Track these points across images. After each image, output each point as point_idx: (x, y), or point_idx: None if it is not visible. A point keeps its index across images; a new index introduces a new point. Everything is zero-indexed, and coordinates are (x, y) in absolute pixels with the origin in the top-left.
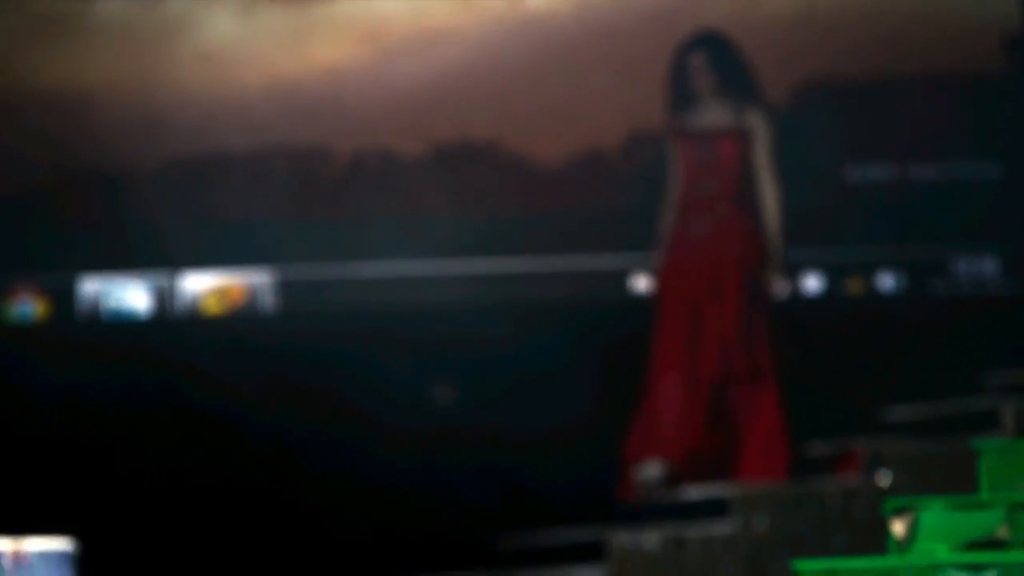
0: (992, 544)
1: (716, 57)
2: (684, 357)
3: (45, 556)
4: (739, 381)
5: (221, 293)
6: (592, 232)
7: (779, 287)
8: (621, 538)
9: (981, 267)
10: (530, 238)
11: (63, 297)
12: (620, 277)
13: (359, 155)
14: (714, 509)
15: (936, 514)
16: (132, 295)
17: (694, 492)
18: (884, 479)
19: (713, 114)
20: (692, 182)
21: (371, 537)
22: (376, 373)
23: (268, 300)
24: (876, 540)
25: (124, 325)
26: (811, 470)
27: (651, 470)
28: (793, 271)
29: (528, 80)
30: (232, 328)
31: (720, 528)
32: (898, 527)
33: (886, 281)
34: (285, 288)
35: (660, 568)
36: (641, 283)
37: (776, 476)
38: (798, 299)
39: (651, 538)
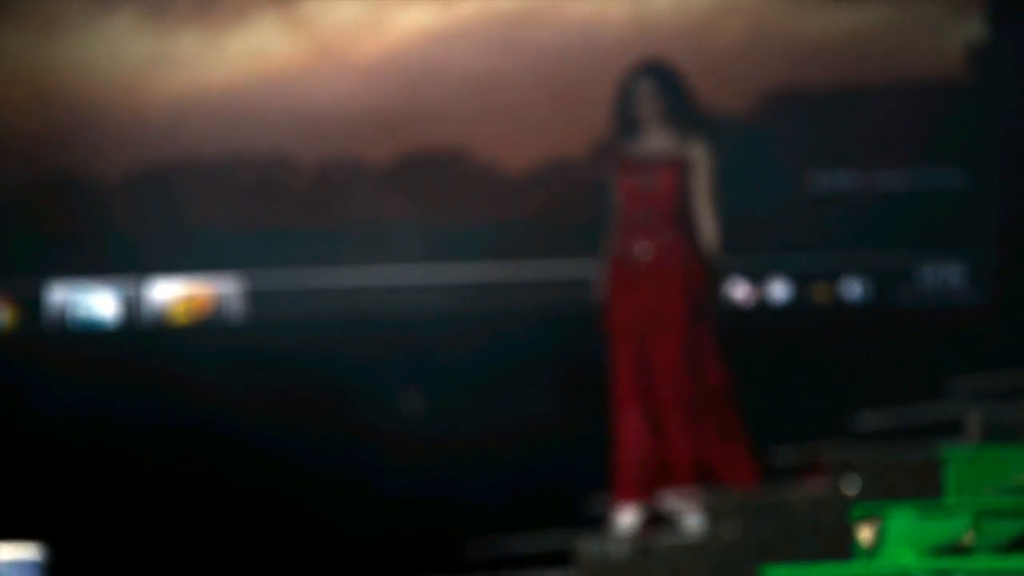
0: (958, 550)
1: (662, 85)
2: (638, 387)
3: (14, 564)
4: (695, 406)
5: (189, 301)
6: (559, 239)
7: (719, 310)
8: (589, 545)
9: (946, 274)
10: (498, 245)
11: (31, 305)
12: (587, 284)
13: (325, 163)
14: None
15: (903, 521)
16: (100, 303)
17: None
18: (852, 486)
19: (656, 142)
20: (632, 209)
21: (338, 541)
22: (344, 380)
23: (236, 308)
24: (844, 547)
25: (92, 334)
26: (779, 478)
27: (627, 519)
28: (759, 278)
29: (495, 87)
30: (200, 336)
31: (688, 535)
32: (864, 533)
33: (852, 288)
34: (252, 297)
35: (628, 575)
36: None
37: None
38: (764, 306)
39: (619, 545)
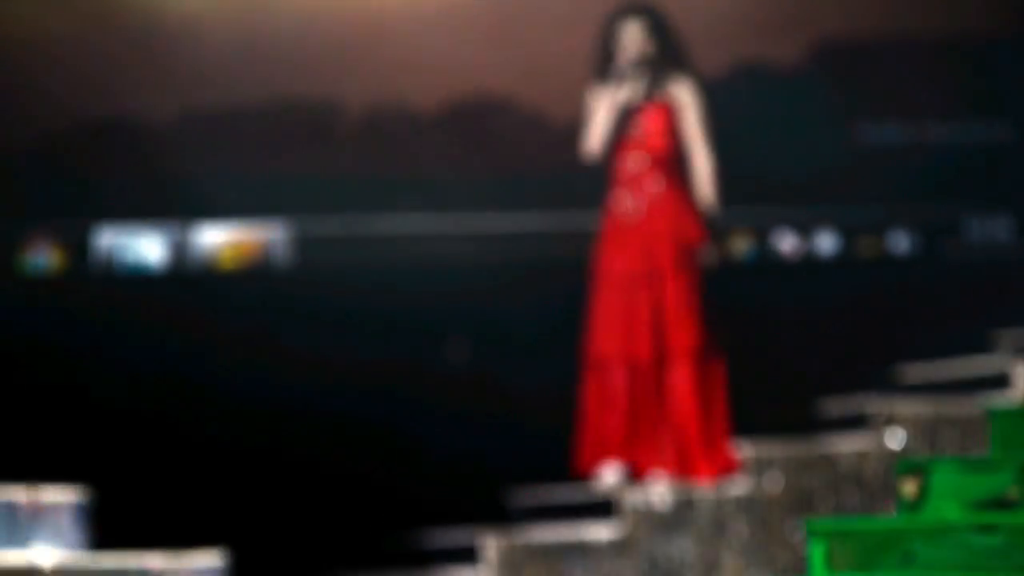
0: (1002, 504)
1: (653, 25)
2: (622, 340)
3: (61, 506)
4: (679, 362)
5: (236, 247)
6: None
7: (712, 261)
8: (633, 496)
9: (993, 228)
10: (548, 194)
11: (79, 248)
12: None
13: (374, 108)
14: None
15: (947, 475)
16: (147, 247)
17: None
18: (897, 440)
19: (640, 85)
20: (622, 156)
21: (380, 489)
22: (391, 328)
23: (283, 255)
24: (888, 500)
25: (138, 278)
26: (824, 429)
27: (609, 477)
28: (806, 231)
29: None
30: (246, 282)
31: (732, 488)
32: (908, 487)
33: (899, 241)
34: (299, 243)
35: (672, 527)
36: None
37: (723, 453)
38: (810, 259)
39: (663, 496)
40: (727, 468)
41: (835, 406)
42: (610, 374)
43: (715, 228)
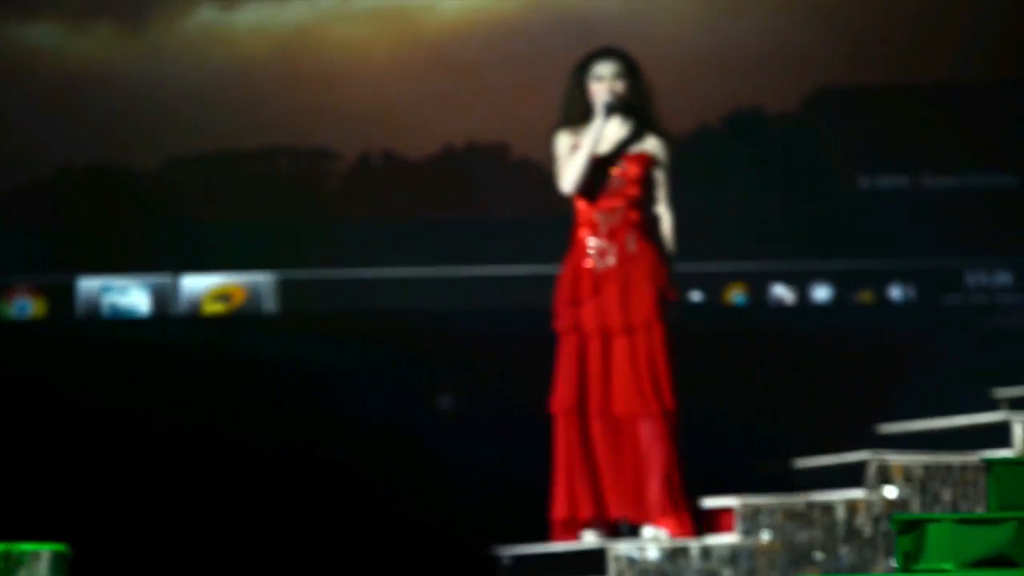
0: (1001, 562)
1: (627, 68)
2: (596, 394)
3: (39, 558)
4: (648, 417)
5: (221, 294)
6: None
7: (677, 320)
8: (620, 549)
9: (994, 280)
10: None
11: (61, 296)
12: None
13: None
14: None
15: (944, 530)
16: (131, 295)
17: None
18: (892, 493)
19: (620, 133)
20: (602, 208)
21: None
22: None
23: (268, 302)
24: (882, 554)
25: (121, 324)
26: (816, 483)
27: (589, 539)
28: (803, 281)
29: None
30: (231, 328)
31: (724, 540)
32: (905, 543)
33: (898, 293)
34: (285, 290)
35: None
36: None
37: (680, 510)
38: (805, 308)
39: (651, 548)
40: (689, 526)
41: (830, 459)
42: (579, 427)
43: (678, 285)
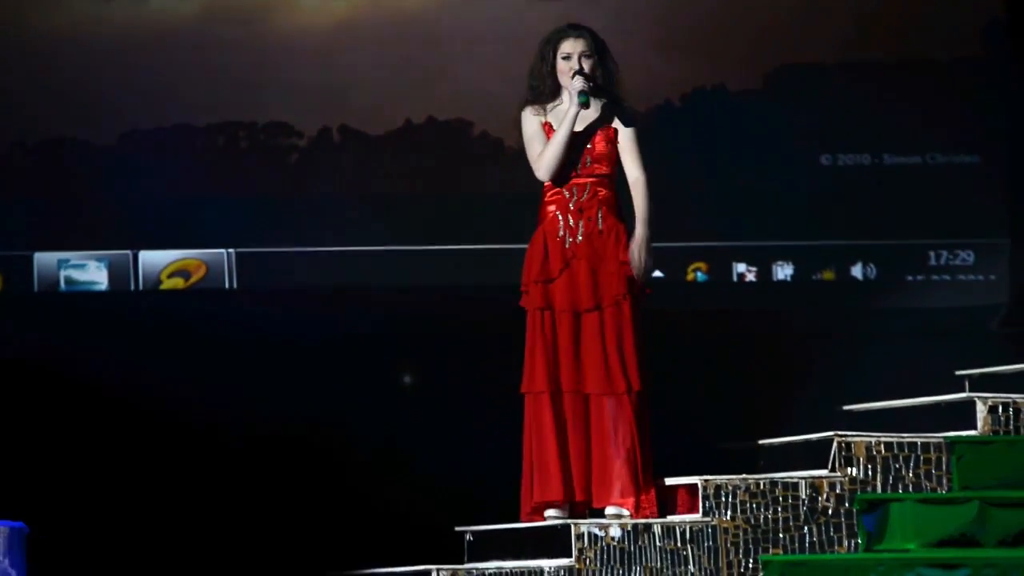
0: (964, 542)
1: (595, 44)
2: (566, 373)
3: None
4: (614, 395)
5: (180, 268)
6: None
7: (643, 299)
8: (582, 527)
9: (955, 258)
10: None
11: (18, 270)
12: None
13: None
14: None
15: (907, 509)
16: (88, 269)
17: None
18: (853, 472)
19: (586, 114)
20: (571, 186)
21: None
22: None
23: (227, 276)
24: (846, 533)
25: (82, 297)
26: (779, 462)
27: (553, 518)
28: (765, 259)
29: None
30: (190, 303)
31: (687, 519)
32: (869, 522)
33: (858, 271)
34: (243, 264)
35: (623, 557)
36: None
37: (644, 489)
38: (769, 288)
39: (614, 526)
40: (653, 506)
41: (793, 438)
42: (551, 408)
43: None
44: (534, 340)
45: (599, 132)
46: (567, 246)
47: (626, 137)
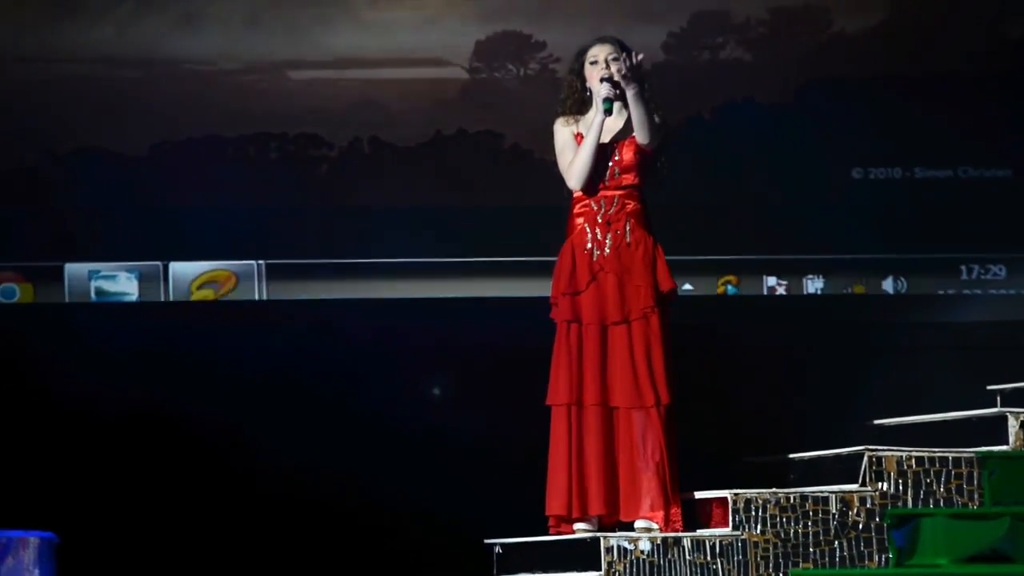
0: (995, 557)
1: (620, 50)
2: (592, 387)
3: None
4: (642, 408)
5: (210, 279)
6: None
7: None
8: (611, 540)
9: (987, 273)
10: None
11: (49, 281)
12: None
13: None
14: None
15: (938, 524)
16: (119, 280)
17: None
18: (883, 486)
19: (614, 124)
20: (599, 198)
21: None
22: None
23: (257, 287)
24: (876, 548)
25: (111, 307)
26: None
27: (582, 532)
28: (797, 274)
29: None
30: (221, 314)
31: (718, 533)
32: (899, 537)
33: (890, 286)
34: (274, 275)
35: (653, 571)
36: None
37: (672, 503)
38: (800, 301)
39: (643, 540)
40: (680, 519)
41: (823, 453)
42: (569, 421)
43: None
44: (560, 352)
45: (625, 142)
46: (595, 259)
47: (653, 156)
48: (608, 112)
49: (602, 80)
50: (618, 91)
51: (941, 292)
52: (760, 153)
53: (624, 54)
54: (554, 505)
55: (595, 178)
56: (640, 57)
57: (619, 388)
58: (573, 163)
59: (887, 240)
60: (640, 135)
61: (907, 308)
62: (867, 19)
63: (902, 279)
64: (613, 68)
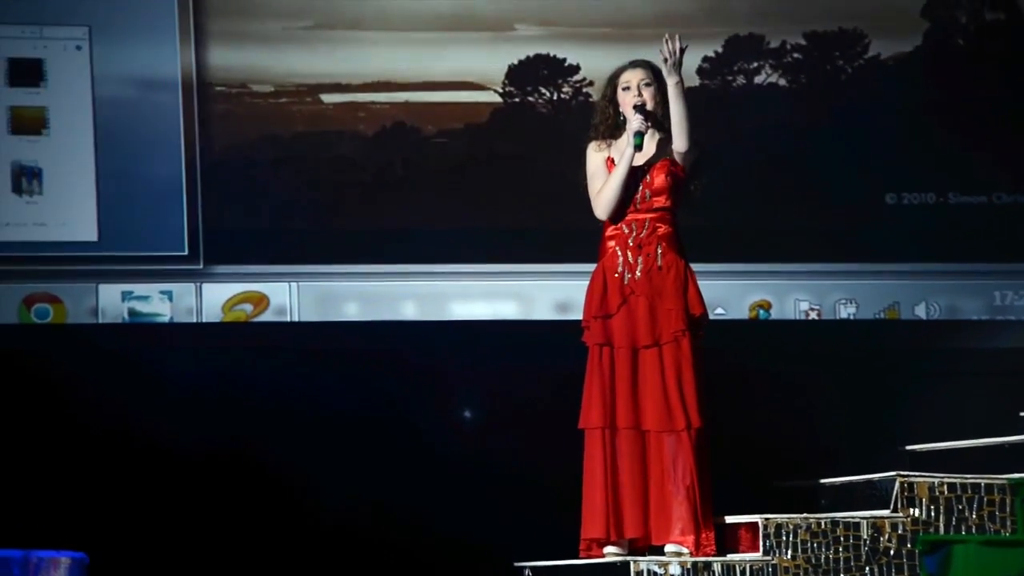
0: None
1: (653, 75)
2: (624, 411)
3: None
4: (673, 432)
5: (243, 300)
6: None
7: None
8: (641, 564)
9: (1021, 299)
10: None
11: (81, 301)
12: None
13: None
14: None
15: (970, 551)
16: (152, 300)
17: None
18: (915, 512)
19: (646, 148)
20: (630, 221)
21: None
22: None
23: (291, 308)
24: (908, 574)
25: (144, 328)
26: (840, 502)
27: (612, 556)
28: (829, 299)
29: None
30: (254, 335)
31: (748, 558)
32: (931, 563)
33: (923, 311)
34: (308, 296)
35: None
36: None
37: (703, 527)
38: (833, 326)
39: (673, 564)
40: (712, 544)
41: (855, 478)
42: (604, 445)
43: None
44: (592, 376)
45: (657, 165)
46: (626, 282)
47: (687, 179)
48: (639, 147)
49: (634, 108)
50: (649, 124)
51: (974, 318)
52: (793, 177)
53: (668, 39)
54: (592, 528)
55: (625, 203)
56: (685, 46)
57: (650, 412)
58: (601, 193)
59: (920, 265)
60: (677, 137)
61: (940, 333)
62: (902, 44)
63: (935, 304)
64: (646, 94)
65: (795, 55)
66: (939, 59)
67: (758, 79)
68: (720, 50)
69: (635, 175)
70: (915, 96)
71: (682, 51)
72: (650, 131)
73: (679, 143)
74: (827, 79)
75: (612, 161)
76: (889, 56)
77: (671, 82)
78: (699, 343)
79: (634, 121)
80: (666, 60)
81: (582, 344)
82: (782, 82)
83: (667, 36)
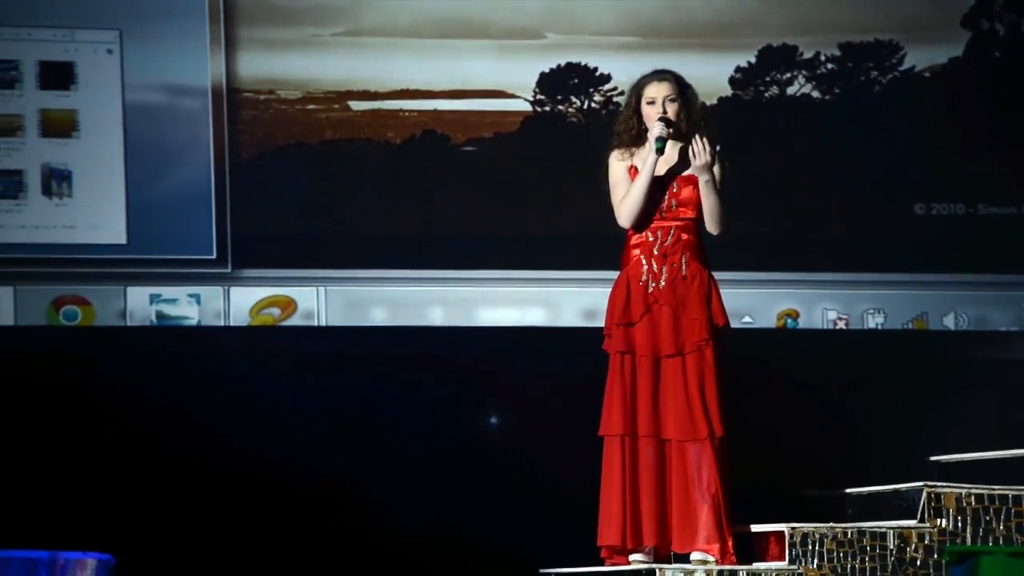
0: None
1: (680, 86)
2: (646, 419)
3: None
4: (696, 441)
5: (271, 304)
6: None
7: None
8: (668, 574)
9: None
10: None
11: (110, 304)
12: None
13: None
14: None
15: (997, 563)
16: (180, 303)
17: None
18: (942, 523)
19: (670, 156)
20: (655, 229)
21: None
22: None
23: (318, 312)
24: None
25: (171, 330)
26: (866, 512)
27: (637, 563)
28: (857, 309)
29: None
30: (280, 339)
31: (774, 567)
32: (958, 574)
33: (951, 322)
34: (335, 301)
35: None
36: None
37: (728, 535)
38: (861, 336)
39: (699, 573)
40: (733, 553)
41: (882, 488)
42: (623, 452)
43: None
44: (614, 383)
45: (685, 176)
46: (650, 291)
47: (711, 187)
48: (660, 152)
49: (658, 120)
50: (671, 130)
51: (1003, 329)
52: (822, 187)
53: (698, 139)
54: (607, 535)
55: (650, 210)
56: (717, 148)
57: (672, 420)
58: (624, 201)
59: (949, 276)
60: (709, 223)
61: (968, 344)
62: (938, 55)
63: (964, 315)
64: (670, 109)
65: (829, 65)
66: (976, 70)
67: (791, 90)
68: (753, 60)
69: (659, 183)
70: (946, 107)
71: (714, 153)
72: (674, 142)
73: (711, 227)
74: (860, 90)
75: (635, 170)
76: (924, 68)
77: (702, 180)
78: (722, 353)
79: (655, 128)
80: (694, 156)
81: (603, 351)
82: (815, 93)
83: (697, 135)
